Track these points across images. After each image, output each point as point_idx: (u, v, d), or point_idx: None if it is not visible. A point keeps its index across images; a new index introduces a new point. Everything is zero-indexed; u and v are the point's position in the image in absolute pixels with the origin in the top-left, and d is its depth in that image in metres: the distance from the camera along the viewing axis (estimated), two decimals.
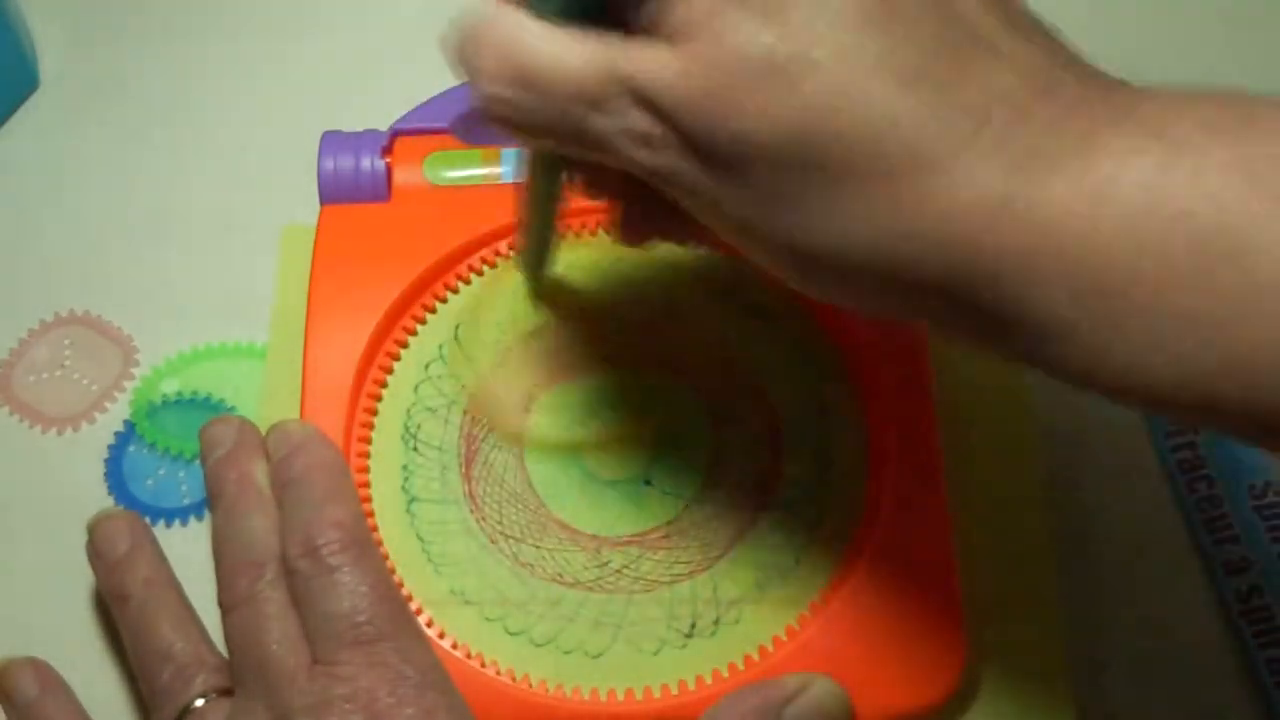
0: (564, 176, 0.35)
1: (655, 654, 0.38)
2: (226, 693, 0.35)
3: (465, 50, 0.29)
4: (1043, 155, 0.26)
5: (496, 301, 0.42)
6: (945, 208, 0.26)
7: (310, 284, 0.42)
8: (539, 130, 0.29)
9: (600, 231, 0.43)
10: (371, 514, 0.39)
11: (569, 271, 0.42)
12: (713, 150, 0.27)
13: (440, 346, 0.42)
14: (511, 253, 0.42)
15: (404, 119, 0.44)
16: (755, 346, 0.41)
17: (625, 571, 0.39)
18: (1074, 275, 0.26)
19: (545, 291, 0.42)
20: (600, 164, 0.31)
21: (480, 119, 0.30)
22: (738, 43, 0.26)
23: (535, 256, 0.40)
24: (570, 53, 0.28)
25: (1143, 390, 0.27)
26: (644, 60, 0.27)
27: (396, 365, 0.41)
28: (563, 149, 0.31)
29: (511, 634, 0.38)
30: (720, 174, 0.28)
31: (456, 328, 0.42)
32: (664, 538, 0.39)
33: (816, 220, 0.27)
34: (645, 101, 0.28)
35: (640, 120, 0.28)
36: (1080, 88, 0.27)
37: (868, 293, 0.29)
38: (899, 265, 0.27)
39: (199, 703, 0.35)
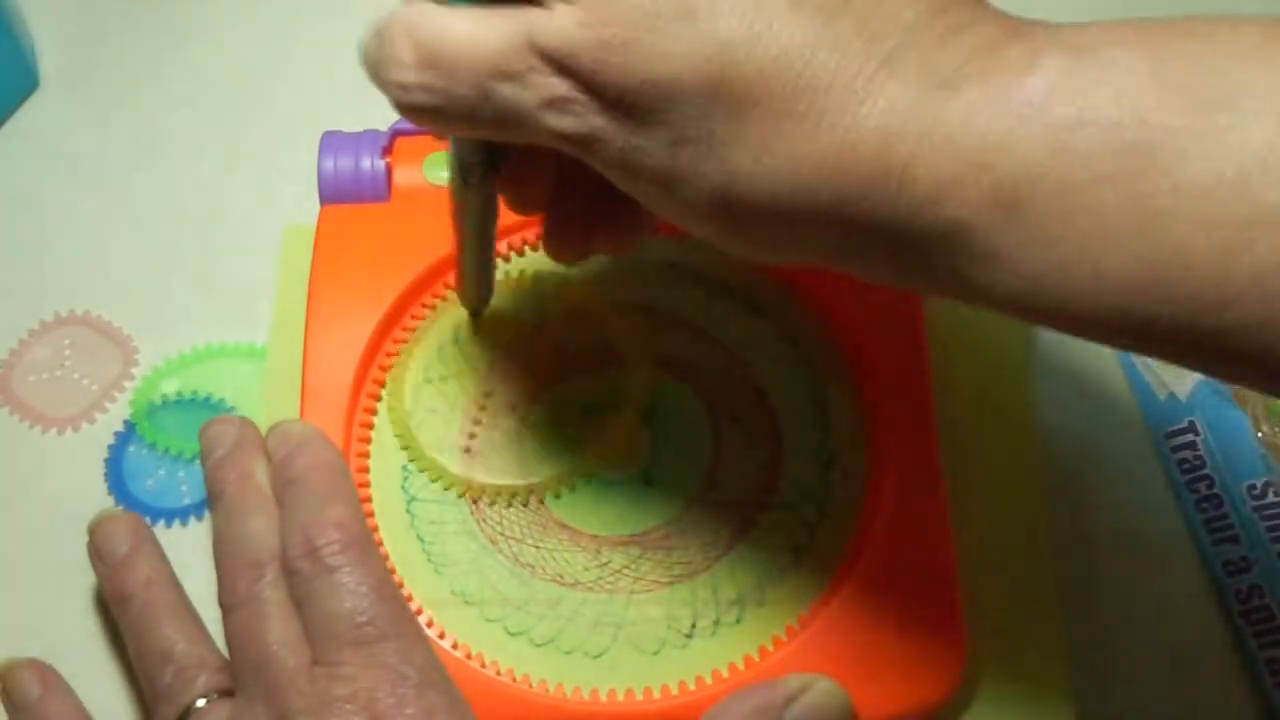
0: (492, 190, 0.35)
1: (655, 654, 0.38)
2: (227, 693, 0.35)
3: (379, 44, 0.29)
4: (951, 73, 0.26)
5: (496, 301, 0.42)
6: (863, 132, 0.26)
7: (310, 284, 0.42)
8: (458, 116, 0.29)
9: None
10: (371, 514, 0.39)
11: (569, 271, 0.42)
12: (628, 101, 0.27)
13: (440, 347, 0.42)
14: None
15: (404, 119, 0.44)
16: (755, 346, 0.41)
17: (625, 571, 0.39)
18: (995, 190, 0.26)
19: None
20: (522, 168, 0.31)
21: (400, 112, 0.30)
22: None
23: (474, 283, 0.39)
24: (480, 29, 0.28)
25: (1071, 307, 0.27)
26: (552, 23, 0.27)
27: (396, 365, 0.41)
28: (483, 134, 0.31)
29: (512, 634, 0.38)
30: (639, 126, 0.28)
31: (456, 328, 0.42)
32: (664, 538, 0.39)
33: (738, 159, 0.27)
34: (558, 64, 0.28)
35: (556, 85, 0.28)
36: (999, 23, 0.27)
37: (796, 238, 0.29)
38: (823, 199, 0.27)
39: (200, 703, 0.35)
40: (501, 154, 0.34)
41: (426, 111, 0.29)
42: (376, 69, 0.30)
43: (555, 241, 0.36)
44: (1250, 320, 0.25)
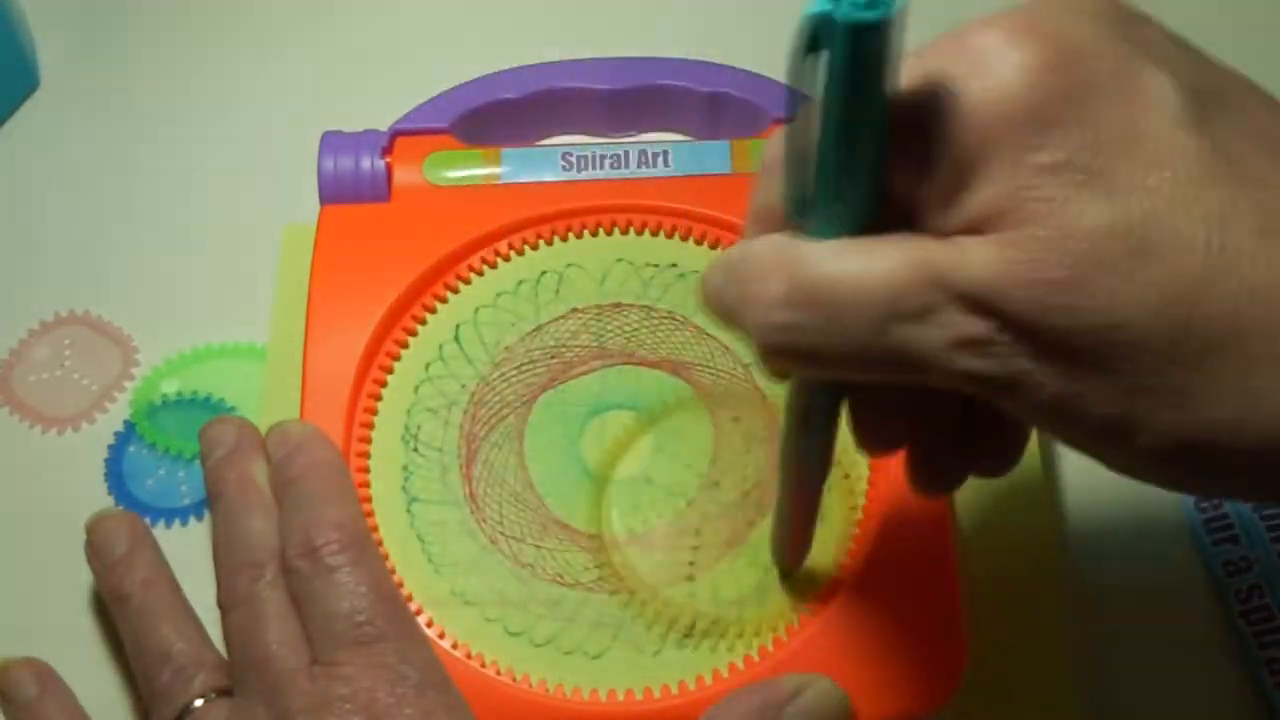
0: (833, 430, 0.31)
1: (655, 654, 0.37)
2: (226, 693, 0.35)
3: (740, 277, 0.27)
4: None
5: (497, 301, 0.42)
6: None
7: (310, 284, 0.42)
8: (837, 357, 0.26)
9: (600, 232, 0.43)
10: (371, 514, 0.39)
11: (571, 272, 0.42)
12: (1069, 346, 0.24)
13: (440, 346, 0.41)
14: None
15: (404, 119, 0.44)
16: None
17: (625, 571, 0.39)
18: None
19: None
20: (882, 407, 0.29)
21: (763, 355, 0.27)
22: (1073, 222, 0.24)
23: (799, 538, 0.36)
24: (872, 264, 0.25)
25: None
26: (964, 257, 0.24)
27: (396, 365, 0.41)
28: (869, 375, 0.27)
29: (512, 634, 0.38)
30: (1080, 371, 0.24)
31: (457, 328, 0.42)
32: (664, 538, 0.39)
33: (1207, 411, 0.24)
34: (975, 303, 0.24)
35: (971, 325, 0.25)
36: None
37: (1262, 484, 0.26)
38: None
39: (198, 703, 0.35)
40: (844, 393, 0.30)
41: (801, 354, 0.26)
42: (736, 306, 0.27)
43: (923, 477, 0.32)
44: None
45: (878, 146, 0.25)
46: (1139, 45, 0.25)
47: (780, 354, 0.27)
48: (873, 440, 0.32)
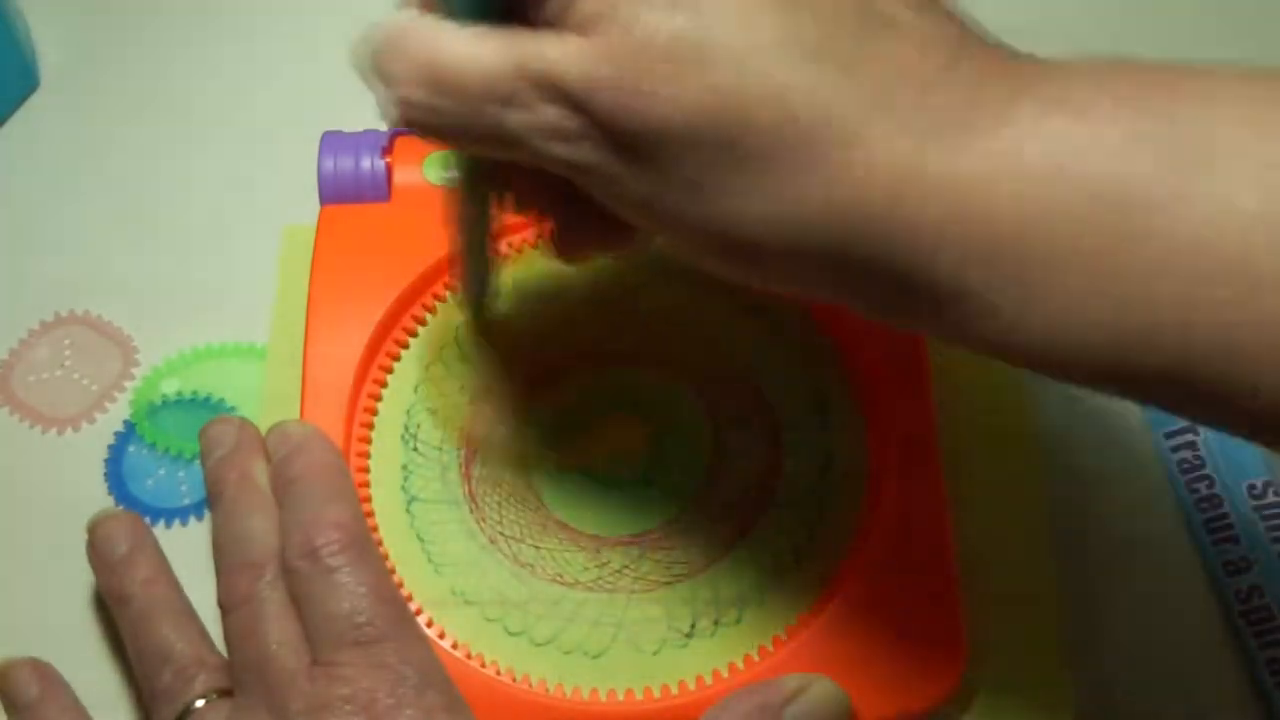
0: (492, 194, 0.35)
1: (655, 654, 0.38)
2: (227, 693, 0.35)
3: (379, 58, 0.29)
4: (949, 125, 0.26)
5: (497, 301, 0.42)
6: (856, 182, 0.27)
7: (310, 284, 0.42)
8: (455, 132, 0.29)
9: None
10: (371, 514, 0.39)
11: (570, 272, 0.42)
12: (627, 140, 0.27)
13: (440, 347, 0.42)
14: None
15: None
16: (755, 346, 0.41)
17: (625, 571, 0.39)
18: (984, 244, 0.26)
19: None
20: (528, 175, 0.31)
21: (396, 125, 0.30)
22: (646, 29, 0.27)
23: (475, 283, 0.39)
24: (481, 51, 0.28)
25: (1059, 358, 0.27)
26: (555, 52, 0.27)
27: (396, 365, 0.41)
28: (480, 151, 0.31)
29: (511, 634, 0.38)
30: (637, 164, 0.28)
31: (456, 328, 0.42)
32: (664, 538, 0.39)
33: (735, 203, 0.27)
34: (558, 94, 0.28)
35: (554, 114, 0.28)
36: (984, 60, 0.27)
37: (790, 273, 0.29)
38: (817, 243, 0.27)
39: (199, 703, 0.35)
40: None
41: (426, 127, 0.29)
42: (370, 79, 0.30)
43: (562, 243, 0.35)
44: (1228, 372, 0.26)
45: None
46: None
47: (411, 125, 0.30)
48: (519, 203, 0.35)
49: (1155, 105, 0.26)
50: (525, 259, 0.43)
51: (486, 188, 0.35)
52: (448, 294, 0.42)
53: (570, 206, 0.33)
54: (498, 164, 0.33)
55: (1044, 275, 0.26)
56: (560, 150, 0.28)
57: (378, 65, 0.30)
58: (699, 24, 0.27)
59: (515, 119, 0.28)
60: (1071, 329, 0.26)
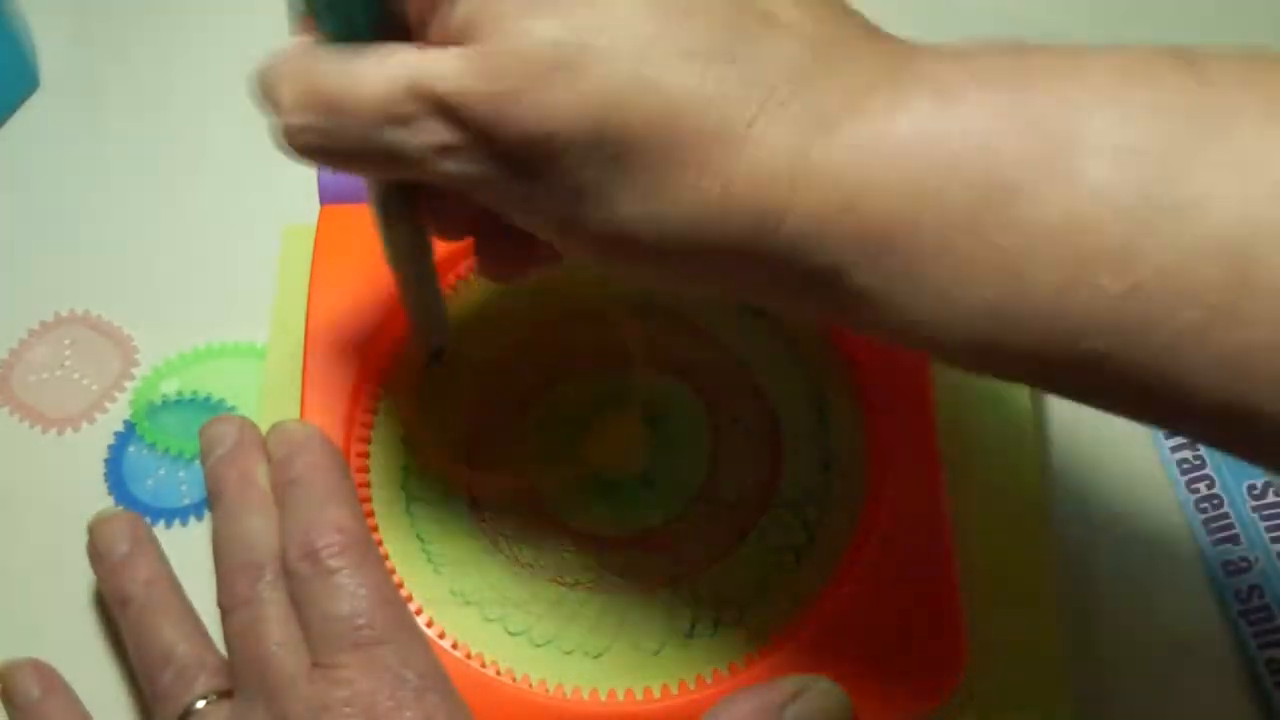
0: (418, 221, 0.34)
1: (655, 654, 0.38)
2: (227, 694, 0.35)
3: (264, 85, 0.30)
4: (826, 116, 0.26)
5: (496, 301, 0.42)
6: (745, 179, 0.26)
7: (310, 284, 0.42)
8: (348, 155, 0.29)
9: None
10: (371, 514, 0.39)
11: (571, 272, 0.42)
12: (512, 151, 0.27)
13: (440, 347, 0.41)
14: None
15: None
16: (755, 346, 0.41)
17: (625, 572, 0.39)
18: (861, 231, 0.26)
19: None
20: (439, 197, 0.31)
21: (288, 151, 0.29)
22: (521, 39, 0.26)
23: (422, 319, 0.38)
24: (365, 71, 0.28)
25: (943, 342, 0.27)
26: (435, 67, 0.27)
27: (396, 365, 0.41)
28: (378, 173, 0.31)
29: (512, 634, 0.38)
30: (526, 175, 0.27)
31: (457, 328, 0.42)
32: (664, 538, 0.39)
33: (626, 209, 0.27)
34: (442, 109, 0.27)
35: (440, 131, 0.27)
36: (859, 47, 0.27)
37: (696, 274, 0.29)
38: (713, 242, 0.27)
39: (200, 704, 0.35)
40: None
41: (316, 151, 0.29)
42: (267, 105, 0.30)
43: (489, 263, 0.35)
44: (1098, 351, 0.25)
45: None
46: None
47: (301, 151, 0.29)
48: (441, 229, 0.34)
49: (1021, 86, 0.26)
50: None
51: (409, 212, 0.33)
52: (447, 292, 0.42)
53: (487, 225, 0.33)
54: (409, 187, 0.33)
55: (924, 264, 0.26)
56: (450, 166, 0.28)
57: (265, 92, 0.30)
58: (574, 29, 0.26)
59: (401, 137, 0.28)
60: (957, 319, 0.26)
